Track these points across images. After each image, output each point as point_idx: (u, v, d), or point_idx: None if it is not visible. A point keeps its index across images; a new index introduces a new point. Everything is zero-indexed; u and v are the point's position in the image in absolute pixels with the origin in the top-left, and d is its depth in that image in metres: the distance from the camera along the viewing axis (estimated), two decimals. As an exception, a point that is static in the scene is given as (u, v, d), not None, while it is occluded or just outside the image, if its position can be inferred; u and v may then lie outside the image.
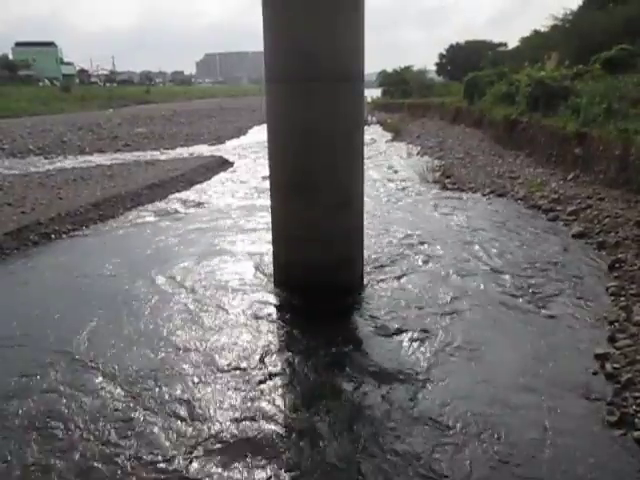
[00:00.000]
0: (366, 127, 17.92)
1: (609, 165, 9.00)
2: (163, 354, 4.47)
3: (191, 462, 3.19)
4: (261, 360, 4.36)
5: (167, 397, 3.86)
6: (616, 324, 4.65)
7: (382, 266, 6.38)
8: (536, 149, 12.45)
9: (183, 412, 3.68)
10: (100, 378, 4.11)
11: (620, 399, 3.63)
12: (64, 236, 7.95)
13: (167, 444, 3.35)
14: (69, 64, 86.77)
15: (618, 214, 7.37)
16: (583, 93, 11.48)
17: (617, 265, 5.94)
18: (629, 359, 4.03)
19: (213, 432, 3.46)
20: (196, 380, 4.07)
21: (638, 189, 8.00)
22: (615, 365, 4.00)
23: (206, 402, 3.79)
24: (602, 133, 9.43)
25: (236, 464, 3.17)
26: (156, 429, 3.50)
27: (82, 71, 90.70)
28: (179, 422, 3.57)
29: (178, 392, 3.92)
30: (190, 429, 3.50)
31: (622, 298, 5.15)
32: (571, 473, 3.04)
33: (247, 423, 3.54)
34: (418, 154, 15.90)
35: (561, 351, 4.36)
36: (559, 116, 11.80)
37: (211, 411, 3.68)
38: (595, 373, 4.00)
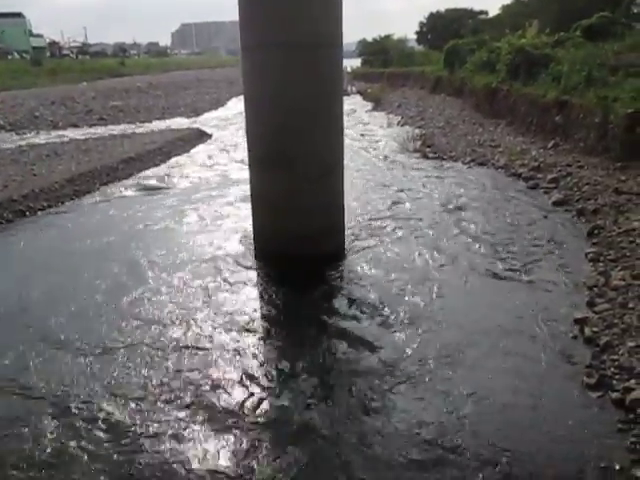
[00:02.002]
0: (346, 97, 17.73)
1: (589, 133, 9.03)
2: (130, 328, 4.44)
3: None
4: (243, 329, 4.35)
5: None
6: (595, 289, 4.71)
7: (364, 235, 6.37)
8: (517, 117, 12.44)
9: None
10: (66, 356, 4.07)
11: (598, 362, 3.69)
12: (39, 213, 7.79)
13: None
14: (39, 36, 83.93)
15: (597, 181, 7.42)
16: (564, 61, 11.45)
17: (596, 231, 6.01)
18: (607, 323, 4.09)
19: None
20: (175, 356, 4.05)
21: (617, 156, 8.05)
22: (594, 329, 4.06)
23: (187, 369, 3.79)
24: (582, 101, 9.44)
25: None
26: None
27: (53, 43, 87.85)
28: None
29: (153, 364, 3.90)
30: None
31: (600, 264, 5.22)
32: (551, 434, 3.09)
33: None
34: (399, 123, 15.83)
35: (541, 316, 4.41)
36: (540, 84, 11.78)
37: (196, 375, 3.68)
38: (575, 337, 4.06)
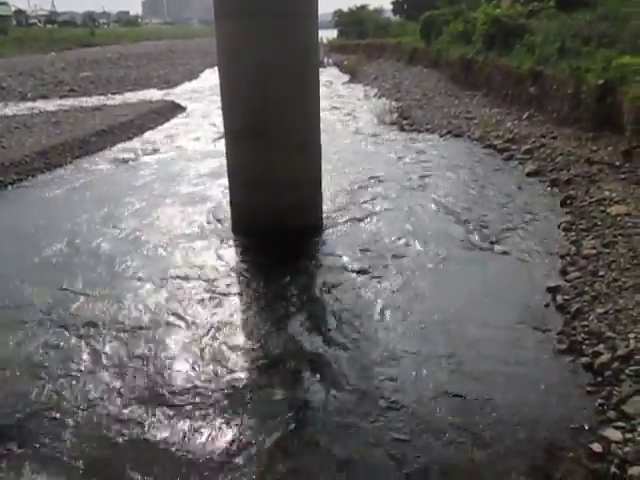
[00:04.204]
0: (322, 69, 17.47)
1: (562, 104, 9.09)
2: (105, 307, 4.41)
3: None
4: (219, 305, 4.35)
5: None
6: (567, 258, 4.80)
7: (340, 209, 6.37)
8: (492, 89, 12.45)
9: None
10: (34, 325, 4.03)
11: (570, 328, 3.79)
12: (9, 187, 7.61)
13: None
14: (3, 4, 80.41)
15: (570, 152, 7.51)
16: (537, 32, 11.44)
17: (568, 201, 6.10)
18: (578, 290, 4.19)
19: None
20: (150, 335, 4.04)
21: (589, 127, 8.13)
22: (565, 297, 4.16)
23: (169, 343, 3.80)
24: (555, 72, 9.47)
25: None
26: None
27: (19, 12, 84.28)
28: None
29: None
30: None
31: (573, 233, 5.31)
32: (523, 398, 3.17)
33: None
34: (375, 96, 15.74)
35: (514, 285, 4.50)
36: (515, 55, 11.75)
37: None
38: (547, 305, 4.15)
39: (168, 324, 4.08)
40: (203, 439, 2.95)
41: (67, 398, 3.28)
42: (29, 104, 15.43)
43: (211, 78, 20.49)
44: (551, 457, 2.77)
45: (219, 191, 6.98)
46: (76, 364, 3.61)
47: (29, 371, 3.55)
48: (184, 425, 3.05)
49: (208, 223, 6.11)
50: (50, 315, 4.22)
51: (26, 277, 4.84)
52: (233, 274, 4.90)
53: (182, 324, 4.08)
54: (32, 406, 3.22)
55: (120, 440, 2.96)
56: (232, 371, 3.51)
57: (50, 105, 14.92)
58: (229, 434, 2.98)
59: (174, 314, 4.21)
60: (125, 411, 3.17)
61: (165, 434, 2.99)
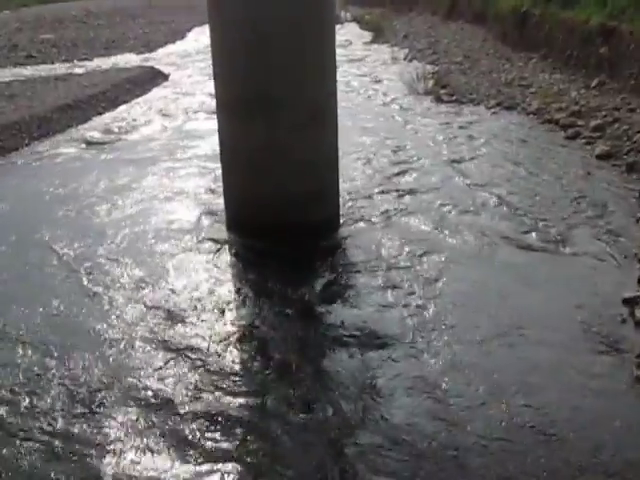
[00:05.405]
0: (338, 25, 17.51)
1: (642, 68, 9.01)
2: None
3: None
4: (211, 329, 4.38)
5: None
6: (648, 262, 4.77)
7: (362, 201, 6.39)
8: (553, 50, 12.38)
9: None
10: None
11: (652, 350, 3.76)
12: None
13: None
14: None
15: (653, 129, 7.45)
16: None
17: (650, 191, 6.06)
18: (663, 303, 4.15)
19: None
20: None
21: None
22: (646, 310, 4.12)
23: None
24: (634, 27, 9.38)
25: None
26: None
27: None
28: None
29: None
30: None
31: (655, 231, 5.28)
32: (594, 440, 3.15)
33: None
34: (405, 59, 15.71)
35: (583, 296, 4.47)
36: (581, 7, 11.68)
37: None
38: (623, 321, 4.12)
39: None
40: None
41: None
42: (-24, 73, 15.60)
43: (200, 39, 20.52)
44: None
45: (210, 178, 7.03)
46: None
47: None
48: None
49: (195, 217, 6.18)
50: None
51: None
52: (224, 282, 4.97)
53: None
54: None
55: None
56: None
57: (3, 75, 15.05)
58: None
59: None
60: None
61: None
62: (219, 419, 3.42)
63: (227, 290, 4.91)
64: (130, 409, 3.52)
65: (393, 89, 12.14)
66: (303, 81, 5.30)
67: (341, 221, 5.90)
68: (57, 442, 3.27)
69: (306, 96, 5.34)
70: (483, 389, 3.56)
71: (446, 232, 5.62)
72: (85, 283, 4.98)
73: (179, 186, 7.15)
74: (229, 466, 3.09)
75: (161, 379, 3.79)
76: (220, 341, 4.16)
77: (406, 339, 4.07)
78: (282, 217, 5.43)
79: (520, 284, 4.73)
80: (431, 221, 5.86)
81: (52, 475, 3.06)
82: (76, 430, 3.36)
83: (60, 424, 3.41)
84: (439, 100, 10.92)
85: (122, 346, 4.13)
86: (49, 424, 3.41)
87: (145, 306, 4.63)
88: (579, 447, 3.11)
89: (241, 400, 3.59)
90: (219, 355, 4.01)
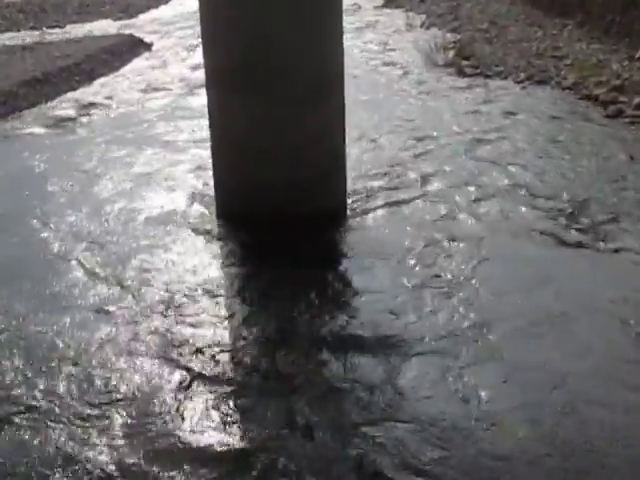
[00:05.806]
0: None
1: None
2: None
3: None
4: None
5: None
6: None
7: (373, 188, 6.36)
8: (590, 15, 12.38)
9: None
10: None
11: None
12: None
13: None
14: None
15: None
16: None
17: None
18: None
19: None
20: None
21: None
22: None
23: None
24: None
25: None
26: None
27: None
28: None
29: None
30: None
31: None
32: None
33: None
34: (422, 26, 15.70)
35: (631, 301, 4.41)
36: (624, -35, 11.64)
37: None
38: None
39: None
40: None
41: None
42: None
43: (187, 2, 20.55)
44: None
45: (198, 162, 7.06)
46: None
47: None
48: None
49: (182, 205, 6.22)
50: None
51: None
52: (213, 280, 4.94)
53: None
54: None
55: None
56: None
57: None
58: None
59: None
60: None
61: None
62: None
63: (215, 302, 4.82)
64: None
65: (408, 60, 12.11)
66: (303, 50, 5.29)
67: (348, 212, 5.88)
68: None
69: (307, 64, 5.33)
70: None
71: (472, 221, 5.63)
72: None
73: (161, 167, 7.19)
74: None
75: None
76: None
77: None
78: (278, 206, 5.43)
79: (555, 286, 4.66)
80: (451, 211, 5.84)
81: None
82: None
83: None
84: (461, 73, 10.90)
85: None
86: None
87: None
88: None
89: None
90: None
